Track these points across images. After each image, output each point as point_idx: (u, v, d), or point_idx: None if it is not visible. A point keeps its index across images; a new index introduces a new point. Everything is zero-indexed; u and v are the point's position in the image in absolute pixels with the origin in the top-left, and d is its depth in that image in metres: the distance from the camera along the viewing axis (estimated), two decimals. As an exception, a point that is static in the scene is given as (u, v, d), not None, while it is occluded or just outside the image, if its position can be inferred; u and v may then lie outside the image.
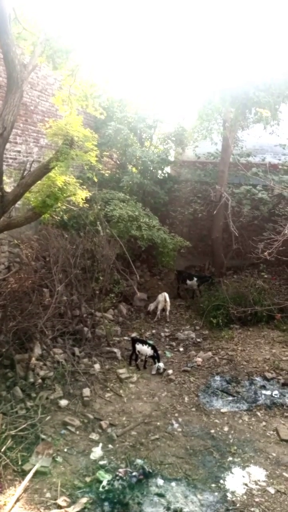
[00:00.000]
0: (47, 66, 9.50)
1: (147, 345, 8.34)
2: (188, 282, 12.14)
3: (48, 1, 7.89)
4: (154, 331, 10.35)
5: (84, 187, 8.74)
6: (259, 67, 9.28)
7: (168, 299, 10.71)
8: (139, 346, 8.36)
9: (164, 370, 8.26)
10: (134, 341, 8.53)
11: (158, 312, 10.84)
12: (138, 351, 8.39)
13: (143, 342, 8.45)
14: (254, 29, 9.51)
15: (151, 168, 13.12)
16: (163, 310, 10.83)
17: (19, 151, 10.10)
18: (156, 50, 12.46)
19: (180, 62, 11.97)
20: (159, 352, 8.98)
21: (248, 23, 9.62)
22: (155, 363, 8.27)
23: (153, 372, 8.23)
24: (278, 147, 13.17)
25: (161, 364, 8.22)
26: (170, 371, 8.29)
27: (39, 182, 6.99)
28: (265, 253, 8.64)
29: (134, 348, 8.42)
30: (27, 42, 8.38)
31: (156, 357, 8.25)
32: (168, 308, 10.80)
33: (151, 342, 8.73)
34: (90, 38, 8.75)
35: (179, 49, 11.62)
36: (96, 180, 9.52)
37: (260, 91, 9.30)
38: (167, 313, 10.87)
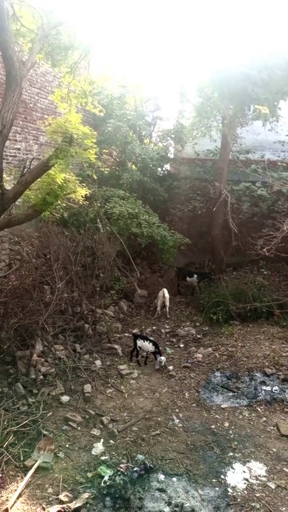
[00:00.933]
0: (46, 63, 9.51)
1: (148, 341, 8.37)
2: (188, 279, 12.18)
3: (47, -2, 7.87)
4: (154, 327, 10.39)
5: (84, 184, 8.75)
6: (258, 63, 9.27)
7: (166, 295, 10.72)
8: (140, 342, 8.39)
9: (165, 366, 8.28)
10: (135, 337, 8.56)
11: (158, 308, 10.88)
12: (139, 347, 8.42)
13: (145, 338, 8.48)
14: (252, 26, 9.51)
15: (151, 165, 13.12)
16: (164, 306, 10.86)
17: (18, 149, 10.11)
18: (155, 46, 12.46)
19: (178, 59, 11.98)
20: (160, 348, 9.05)
21: (247, 19, 9.62)
22: (156, 359, 8.29)
23: (157, 366, 8.27)
24: (277, 143, 13.16)
25: (162, 358, 8.25)
26: (171, 367, 8.34)
27: (39, 179, 7.00)
28: (264, 250, 8.65)
29: (135, 344, 8.45)
30: (25, 39, 8.38)
31: (158, 352, 8.29)
32: (168, 304, 10.83)
33: (151, 338, 8.76)
34: (90, 34, 8.74)
35: (177, 46, 11.62)
36: (95, 177, 9.55)
37: (258, 87, 9.29)
38: (167, 309, 10.91)
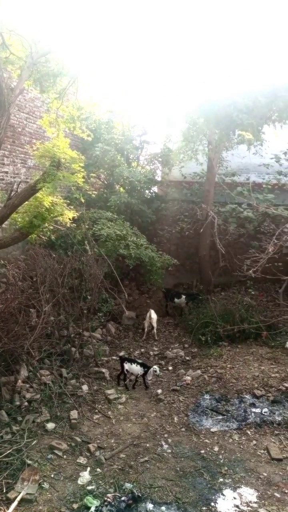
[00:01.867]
0: (35, 89, 9.72)
1: (135, 364, 8.25)
2: (176, 300, 12.16)
3: (35, 28, 8.11)
4: (143, 350, 10.28)
5: (72, 207, 8.82)
6: (242, 90, 9.59)
7: (153, 316, 10.64)
8: (128, 365, 8.26)
9: (158, 375, 8.30)
10: (122, 360, 8.43)
11: (146, 330, 10.80)
12: (127, 370, 8.29)
13: (132, 361, 8.35)
14: (237, 54, 9.89)
15: (139, 188, 13.31)
16: (151, 328, 10.78)
17: (6, 172, 10.17)
18: (143, 73, 12.83)
19: (165, 86, 12.32)
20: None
21: (231, 48, 10.00)
22: (143, 378, 8.27)
23: (150, 377, 8.26)
24: (262, 166, 13.48)
25: (155, 367, 8.20)
26: (159, 391, 8.21)
27: (26, 202, 7.04)
28: (250, 271, 8.73)
29: (122, 367, 8.33)
30: (14, 66, 8.60)
31: (148, 367, 8.23)
32: (155, 325, 10.75)
33: (140, 360, 8.65)
34: (77, 62, 8.98)
35: (164, 73, 11.98)
36: (83, 200, 9.63)
37: (243, 113, 9.58)
38: (155, 330, 10.83)
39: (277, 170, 13.07)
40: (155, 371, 8.17)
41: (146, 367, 8.24)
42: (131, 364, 8.26)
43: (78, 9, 8.36)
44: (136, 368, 8.21)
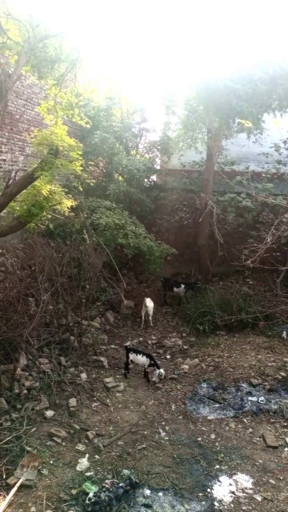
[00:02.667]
0: (33, 75, 9.56)
1: (141, 354, 8.19)
2: (175, 289, 12.20)
3: (33, 11, 7.94)
4: (141, 338, 10.35)
5: (70, 195, 8.77)
6: (242, 77, 9.47)
7: (148, 304, 10.67)
8: (132, 356, 8.22)
9: (164, 379, 8.16)
10: (128, 350, 8.39)
11: (143, 318, 10.85)
12: (131, 360, 8.27)
13: (137, 352, 8.29)
14: (237, 41, 9.74)
15: (137, 177, 13.21)
16: (148, 315, 10.84)
17: (4, 160, 10.07)
18: (142, 60, 12.64)
19: (165, 73, 12.16)
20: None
21: (231, 34, 9.85)
22: (146, 372, 8.20)
23: (155, 379, 8.15)
24: (261, 155, 13.41)
25: (162, 371, 8.10)
26: (157, 379, 8.28)
27: (24, 191, 6.99)
28: (249, 262, 8.74)
29: (127, 357, 8.29)
30: (11, 52, 8.43)
31: (154, 365, 8.14)
32: (151, 313, 10.78)
33: (146, 352, 8.57)
34: (76, 48, 8.82)
35: (164, 60, 11.81)
36: (81, 189, 9.56)
37: (243, 101, 9.47)
38: (150, 318, 10.88)
39: (276, 159, 13.01)
40: (160, 375, 8.06)
41: (152, 358, 8.18)
42: (137, 354, 8.20)
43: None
44: (141, 359, 8.15)
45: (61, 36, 8.33)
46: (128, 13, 10.14)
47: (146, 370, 8.23)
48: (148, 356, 8.18)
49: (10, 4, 7.88)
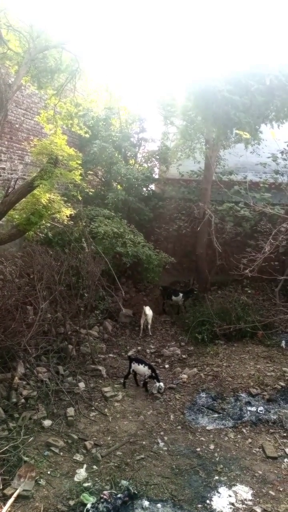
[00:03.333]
0: (32, 85, 9.66)
1: (143, 365, 8.09)
2: (174, 297, 12.19)
3: (34, 23, 8.06)
4: (139, 347, 10.30)
5: (69, 204, 8.80)
6: (239, 89, 9.60)
7: (148, 312, 10.67)
8: (134, 366, 8.12)
9: (163, 393, 8.05)
10: (131, 360, 8.30)
11: (142, 326, 10.83)
12: (133, 370, 8.17)
13: (140, 362, 8.18)
14: (234, 52, 9.88)
15: (136, 186, 13.30)
16: (147, 324, 10.82)
17: (3, 168, 10.12)
18: (140, 70, 12.80)
19: (163, 84, 12.31)
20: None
21: (228, 46, 10.00)
22: (145, 382, 8.09)
23: (154, 391, 8.04)
24: (259, 165, 13.52)
25: (161, 384, 7.98)
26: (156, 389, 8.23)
27: (23, 199, 7.02)
28: (247, 271, 8.75)
29: (130, 367, 8.19)
30: (12, 62, 8.54)
31: (155, 377, 8.03)
32: (150, 321, 10.77)
33: (147, 362, 8.46)
34: (75, 58, 8.93)
35: (162, 70, 11.96)
36: (80, 198, 9.61)
37: (240, 112, 9.59)
38: (149, 326, 10.86)
39: (274, 169, 13.10)
40: (160, 389, 7.93)
41: (153, 370, 8.01)
42: (139, 364, 8.10)
43: (75, 5, 8.32)
44: (142, 369, 8.05)
45: (61, 47, 8.44)
46: (127, 24, 10.30)
47: (146, 380, 8.14)
48: (150, 367, 8.08)
49: (11, 16, 8.01)
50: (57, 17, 7.92)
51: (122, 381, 8.33)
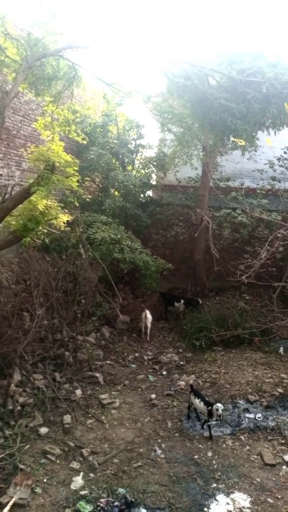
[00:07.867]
0: (30, 92, 9.71)
1: (200, 400, 7.04)
2: (176, 304, 12.18)
3: (31, 31, 8.12)
4: (137, 354, 10.25)
5: (66, 210, 8.81)
6: (236, 96, 9.68)
7: (148, 316, 10.71)
8: (192, 398, 7.25)
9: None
10: (192, 390, 7.38)
11: (143, 330, 10.85)
12: (192, 403, 7.33)
13: (199, 396, 7.16)
14: (230, 60, 9.96)
15: (133, 192, 13.33)
16: (146, 327, 10.82)
17: (0, 175, 10.14)
18: (137, 78, 12.89)
19: (160, 91, 12.38)
20: (142, 375, 8.89)
21: (224, 52, 10.08)
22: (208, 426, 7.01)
23: (214, 418, 6.90)
24: (256, 172, 13.60)
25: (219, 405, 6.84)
26: (153, 396, 8.18)
27: (20, 206, 7.02)
28: (243, 277, 8.75)
29: (190, 399, 7.37)
30: (9, 69, 8.58)
31: (208, 419, 6.96)
32: (149, 325, 10.77)
33: (206, 398, 7.25)
34: (73, 66, 8.98)
35: (159, 77, 12.03)
36: (77, 204, 9.62)
37: (237, 119, 9.66)
38: (148, 331, 10.85)
39: (271, 175, 13.18)
40: (217, 410, 6.75)
41: (210, 405, 6.86)
42: (195, 398, 7.15)
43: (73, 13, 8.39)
44: (199, 405, 7.07)
45: (58, 55, 8.50)
46: (123, 31, 10.37)
47: (209, 424, 6.99)
48: (207, 402, 6.94)
49: (9, 25, 8.07)
50: (54, 26, 7.97)
51: (187, 411, 7.54)
